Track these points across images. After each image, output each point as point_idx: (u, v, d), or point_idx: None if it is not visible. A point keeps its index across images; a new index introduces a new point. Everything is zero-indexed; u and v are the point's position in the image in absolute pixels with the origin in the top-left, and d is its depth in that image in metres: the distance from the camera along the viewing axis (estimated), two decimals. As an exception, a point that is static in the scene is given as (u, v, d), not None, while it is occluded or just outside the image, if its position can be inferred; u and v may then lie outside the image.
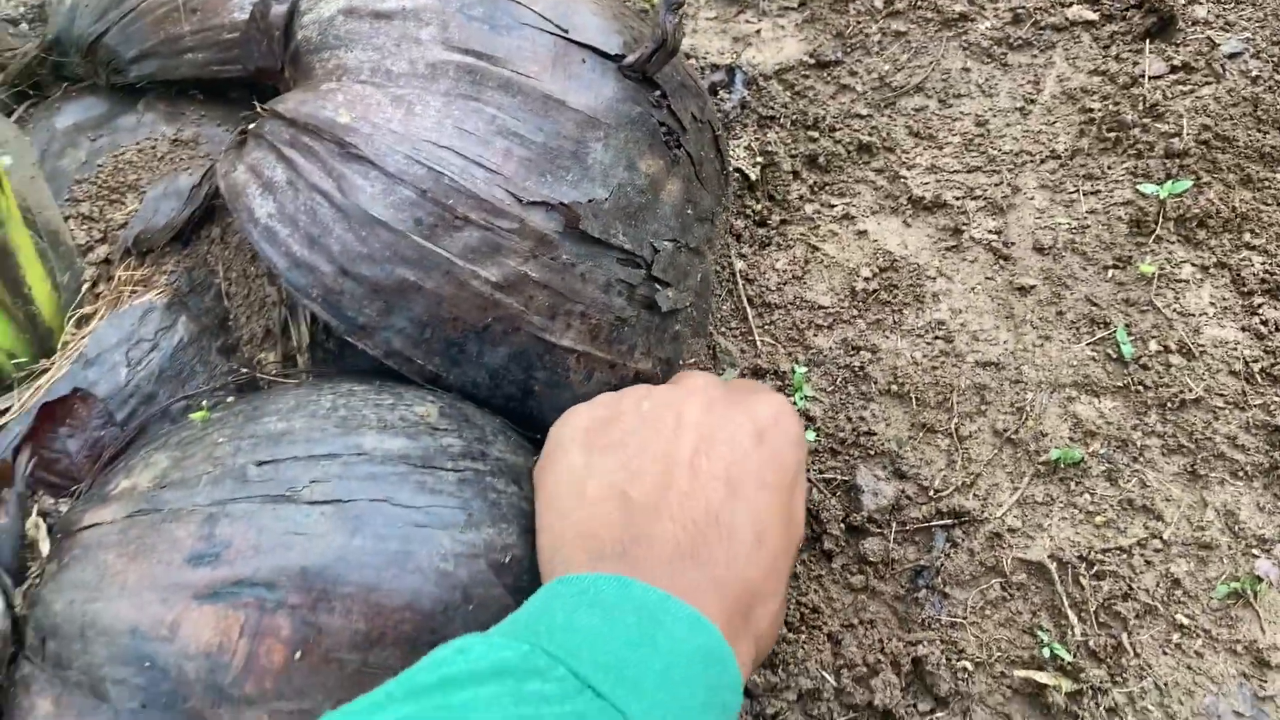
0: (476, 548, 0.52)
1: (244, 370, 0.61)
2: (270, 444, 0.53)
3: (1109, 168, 0.73)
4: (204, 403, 0.58)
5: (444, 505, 0.52)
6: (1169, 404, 0.65)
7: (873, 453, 0.67)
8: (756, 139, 0.79)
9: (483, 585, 0.52)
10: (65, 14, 0.71)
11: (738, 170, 0.77)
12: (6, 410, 0.59)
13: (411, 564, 0.50)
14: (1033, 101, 0.77)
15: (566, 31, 0.61)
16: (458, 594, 0.51)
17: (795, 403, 0.69)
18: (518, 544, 0.54)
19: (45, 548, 0.54)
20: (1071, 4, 0.80)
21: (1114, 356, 0.67)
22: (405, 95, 0.58)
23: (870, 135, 0.78)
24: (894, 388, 0.69)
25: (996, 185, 0.74)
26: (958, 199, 0.75)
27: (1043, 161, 0.75)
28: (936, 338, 0.70)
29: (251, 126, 0.61)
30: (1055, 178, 0.74)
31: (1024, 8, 0.80)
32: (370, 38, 0.59)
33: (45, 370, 0.59)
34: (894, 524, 0.65)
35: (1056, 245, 0.71)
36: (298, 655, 0.48)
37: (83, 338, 0.59)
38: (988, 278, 0.71)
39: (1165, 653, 0.59)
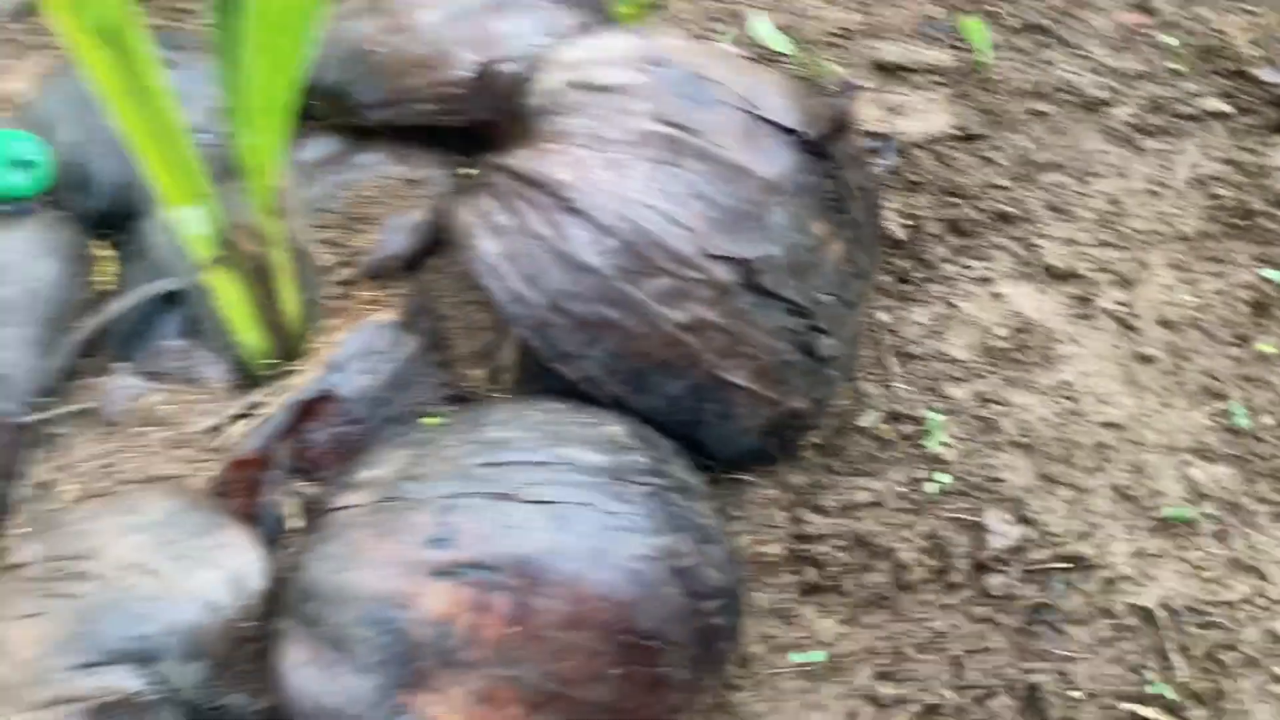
0: (660, 552, 0.61)
1: (458, 384, 0.71)
2: (492, 449, 0.63)
3: (1234, 252, 0.80)
4: (430, 410, 0.68)
5: (635, 513, 0.61)
6: (1279, 473, 0.71)
7: (1000, 498, 0.75)
8: (905, 203, 0.87)
9: (664, 585, 0.61)
10: (317, 65, 0.82)
11: (887, 232, 0.85)
12: (259, 405, 0.69)
13: (609, 560, 0.59)
14: (1165, 184, 0.84)
15: (756, 109, 0.70)
16: (644, 590, 0.60)
17: (928, 447, 0.77)
18: (692, 552, 0.62)
19: (298, 523, 0.64)
20: (1206, 96, 0.86)
21: (1229, 427, 0.74)
22: (617, 159, 0.67)
23: (1010, 205, 0.86)
24: (1022, 440, 0.77)
25: (1126, 260, 0.81)
26: (1089, 270, 0.82)
27: (1171, 241, 0.81)
28: (1064, 397, 0.77)
29: (480, 176, 0.71)
30: (1182, 257, 0.81)
31: (1161, 97, 0.87)
32: (590, 108, 0.69)
33: (292, 372, 0.70)
34: (1017, 564, 0.72)
35: (1180, 320, 0.78)
36: (512, 629, 0.58)
37: (328, 347, 0.70)
38: (1114, 345, 0.79)
39: (1264, 700, 0.66)
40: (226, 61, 0.62)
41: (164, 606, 0.59)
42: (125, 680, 0.59)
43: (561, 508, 0.60)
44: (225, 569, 0.61)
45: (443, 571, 0.58)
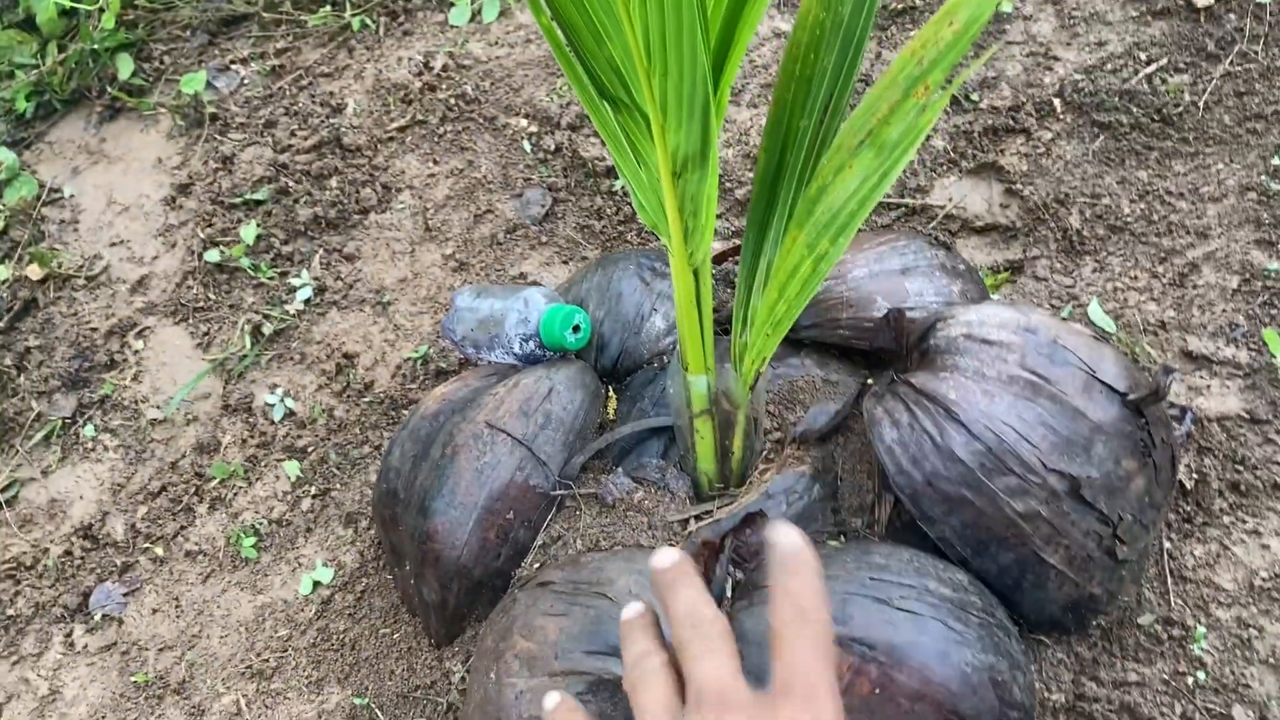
0: (984, 666, 0.87)
1: (843, 526, 1.01)
2: (877, 570, 0.91)
3: None
4: (827, 538, 0.99)
5: (970, 634, 0.88)
6: None
7: (1247, 700, 0.95)
8: (1196, 462, 1.11)
9: (984, 688, 0.86)
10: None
11: (1180, 481, 1.09)
12: (711, 513, 1.02)
13: (950, 661, 0.86)
14: None
15: (1095, 372, 0.98)
16: (970, 688, 0.86)
17: (1192, 650, 0.99)
18: (1006, 672, 0.88)
19: (731, 594, 0.95)
20: None
21: None
22: (991, 391, 0.97)
23: (1284, 479, 1.08)
24: (1271, 661, 0.97)
25: (1381, 538, 1.02)
26: (1348, 541, 1.02)
27: None
28: (1312, 633, 0.98)
29: (886, 385, 1.02)
30: None
31: None
32: (976, 353, 0.99)
33: (736, 496, 1.02)
34: (1255, 752, 0.93)
35: None
36: (876, 691, 0.85)
37: (761, 483, 1.02)
38: (1361, 602, 0.98)
39: None
40: (749, 286, 0.98)
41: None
42: (616, 669, 0.90)
43: (921, 619, 0.87)
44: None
45: (838, 641, 0.86)
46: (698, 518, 1.02)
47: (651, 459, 1.08)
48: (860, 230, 1.41)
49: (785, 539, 0.71)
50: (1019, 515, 0.93)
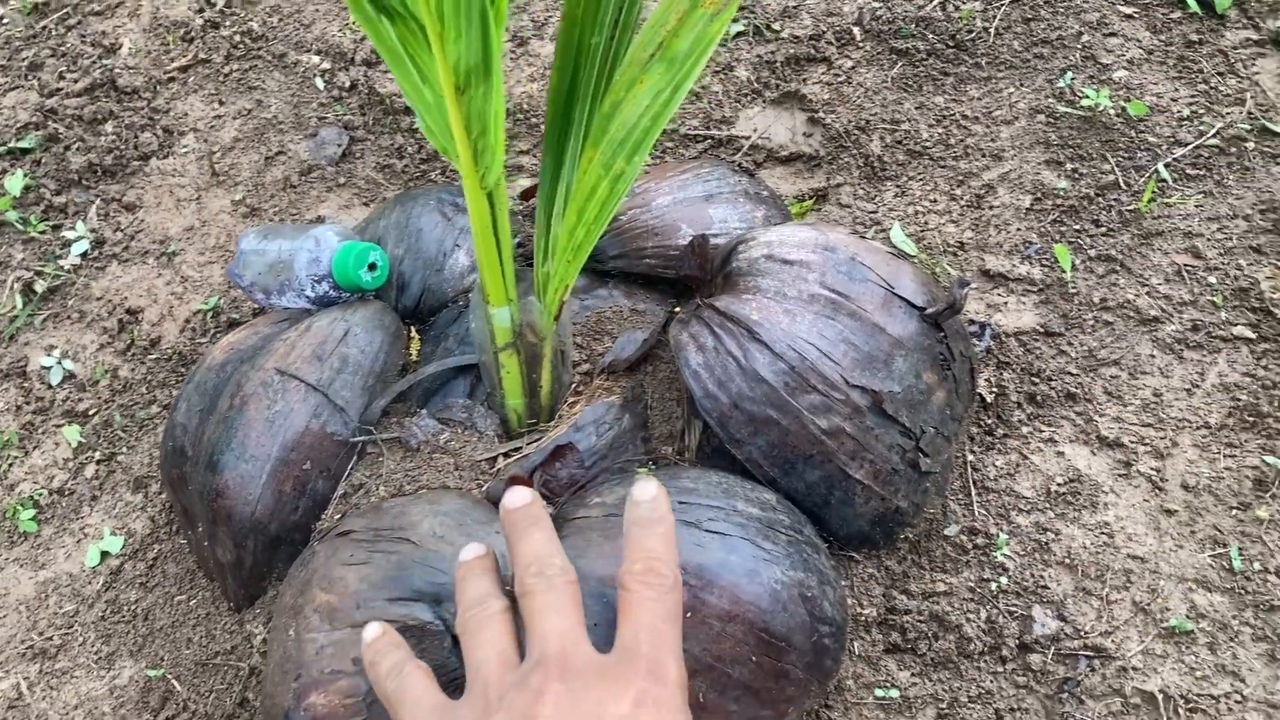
0: (794, 581, 0.87)
1: (654, 454, 0.99)
2: (684, 493, 0.90)
3: (1245, 441, 1.04)
4: (637, 466, 0.96)
5: (779, 552, 0.87)
6: (1261, 606, 0.94)
7: (1046, 600, 0.99)
8: (995, 376, 1.14)
9: (794, 604, 0.86)
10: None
11: (980, 394, 1.12)
12: (520, 449, 0.98)
13: (759, 579, 0.85)
14: (1197, 386, 1.09)
15: (893, 288, 0.99)
16: (780, 604, 0.85)
17: (995, 556, 1.01)
18: (816, 588, 0.88)
19: (542, 528, 0.92)
20: (1236, 324, 1.12)
21: (1227, 568, 0.97)
22: (792, 310, 0.96)
23: (1076, 388, 1.12)
24: (1067, 561, 1.01)
25: (1161, 439, 1.06)
26: (1132, 443, 1.07)
27: (1198, 429, 1.06)
28: (1102, 533, 1.01)
29: (690, 310, 1.00)
30: (1205, 441, 1.05)
31: (1200, 320, 1.13)
32: (777, 273, 0.98)
33: (545, 431, 0.99)
34: (1053, 648, 0.96)
35: (1198, 486, 1.02)
36: (688, 615, 0.83)
37: (570, 416, 0.99)
38: (1145, 500, 1.03)
39: (1232, 768, 0.87)
40: (547, 212, 0.94)
41: (455, 564, 0.87)
42: (422, 614, 0.85)
43: (729, 539, 0.86)
44: (499, 547, 0.89)
45: (647, 567, 0.84)
46: (506, 455, 0.98)
47: (458, 399, 1.04)
48: (665, 160, 1.39)
49: (643, 493, 0.68)
50: (824, 432, 0.93)
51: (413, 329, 1.12)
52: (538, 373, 0.99)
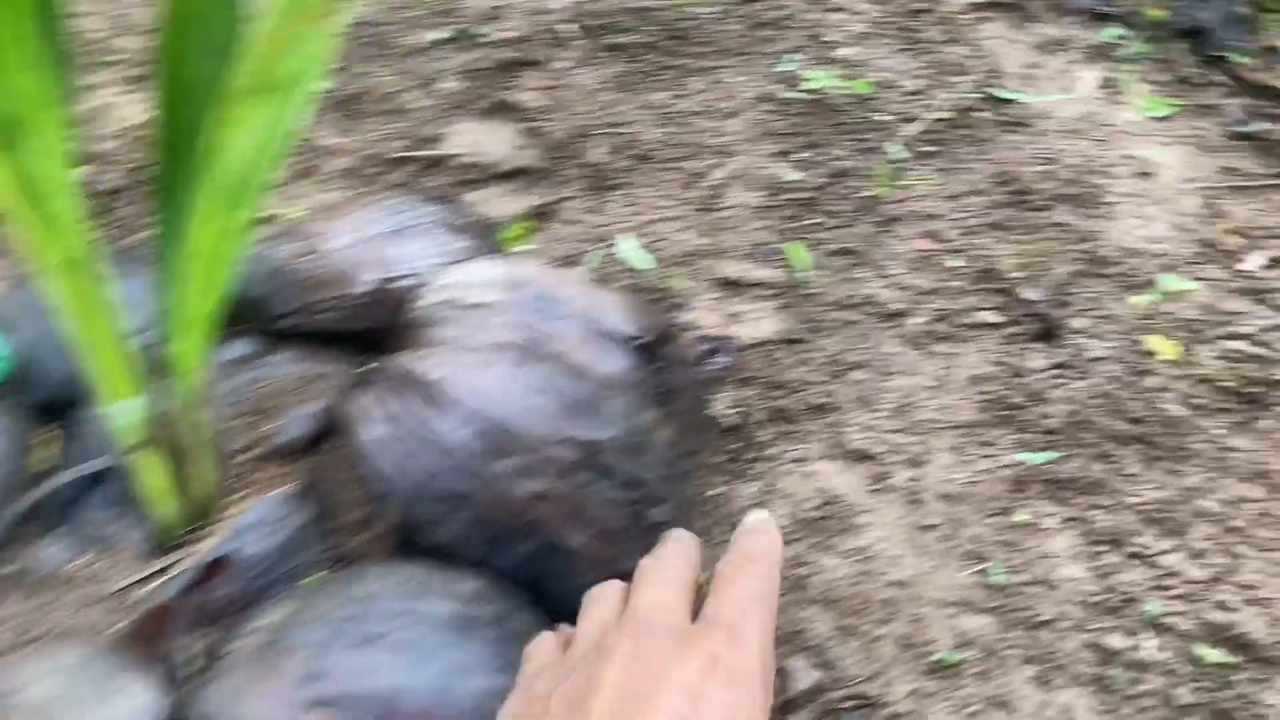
0: (498, 690, 0.73)
1: (343, 549, 0.85)
2: (361, 602, 0.75)
3: (999, 438, 0.97)
4: (312, 572, 0.82)
5: (480, 654, 0.74)
6: (1026, 623, 0.86)
7: (804, 646, 0.88)
8: (737, 395, 1.03)
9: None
10: (242, 281, 0.98)
11: (720, 419, 1.01)
12: (171, 567, 0.82)
13: (453, 694, 0.72)
14: (947, 382, 1.01)
15: (597, 322, 0.86)
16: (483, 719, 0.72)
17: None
18: (530, 688, 0.75)
19: (201, 665, 0.76)
20: (982, 310, 1.05)
21: (989, 584, 0.89)
22: (480, 361, 0.83)
23: (823, 398, 1.03)
24: (824, 597, 0.91)
25: (915, 444, 0.98)
26: (885, 452, 0.98)
27: (951, 429, 0.98)
28: (860, 559, 0.92)
29: (372, 373, 0.86)
30: (959, 442, 0.97)
31: (946, 309, 1.06)
32: (459, 321, 0.85)
33: (202, 539, 0.83)
34: (815, 704, 0.86)
35: (955, 494, 0.94)
36: (371, 755, 0.69)
37: (233, 517, 0.83)
38: (901, 516, 0.94)
39: (1011, 815, 0.79)
40: (163, 279, 0.78)
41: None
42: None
43: (414, 654, 0.73)
44: (123, 709, 0.73)
45: (315, 703, 0.70)
46: (152, 576, 0.82)
47: (99, 512, 0.87)
48: (357, 192, 1.24)
49: (752, 517, 0.71)
50: (531, 497, 0.80)
51: (50, 430, 0.94)
52: (187, 470, 0.83)
